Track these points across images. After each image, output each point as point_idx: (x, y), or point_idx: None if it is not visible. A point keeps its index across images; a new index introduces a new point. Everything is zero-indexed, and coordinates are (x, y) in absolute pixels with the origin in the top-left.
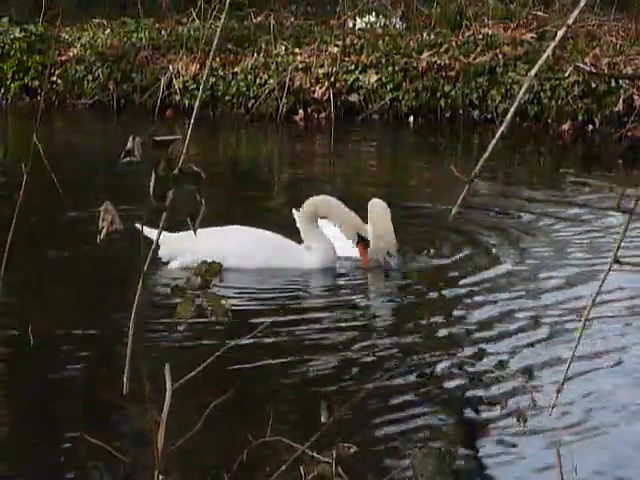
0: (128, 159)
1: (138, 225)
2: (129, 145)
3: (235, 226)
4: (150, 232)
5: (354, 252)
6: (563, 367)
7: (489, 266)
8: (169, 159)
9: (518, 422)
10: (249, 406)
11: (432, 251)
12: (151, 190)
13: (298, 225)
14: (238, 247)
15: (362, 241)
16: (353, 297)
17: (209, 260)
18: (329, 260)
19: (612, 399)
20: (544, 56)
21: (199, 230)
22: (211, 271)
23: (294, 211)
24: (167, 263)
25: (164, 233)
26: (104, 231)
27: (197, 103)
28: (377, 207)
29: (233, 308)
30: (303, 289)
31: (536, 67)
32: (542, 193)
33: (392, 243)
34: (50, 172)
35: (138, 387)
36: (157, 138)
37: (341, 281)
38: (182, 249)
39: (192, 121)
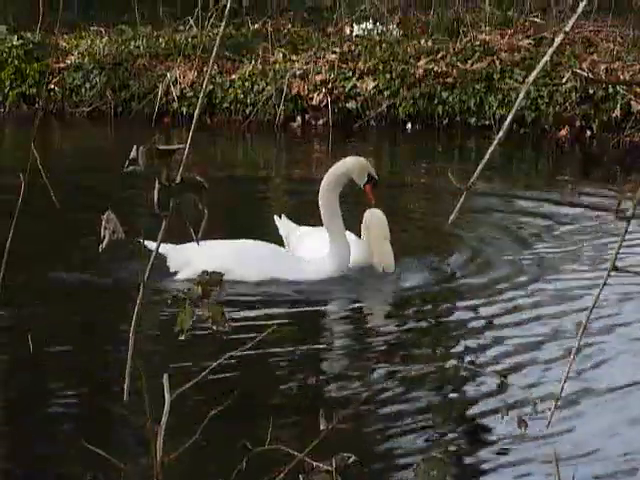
0: (132, 168)
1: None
2: (133, 154)
3: (242, 240)
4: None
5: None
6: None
7: (487, 274)
8: (172, 168)
9: (519, 430)
10: (248, 415)
11: (431, 258)
12: (155, 199)
13: (281, 232)
14: (244, 258)
15: (370, 181)
16: (353, 304)
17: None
18: (343, 267)
19: (613, 408)
20: (542, 62)
21: (207, 242)
22: (212, 281)
23: (276, 217)
24: (175, 273)
25: (172, 246)
26: (106, 240)
27: (197, 111)
28: (375, 220)
29: (234, 317)
30: (305, 297)
31: (534, 73)
32: (540, 199)
33: (388, 262)
34: (46, 183)
35: (138, 395)
36: (160, 147)
37: (342, 288)
38: (189, 260)
39: (192, 129)
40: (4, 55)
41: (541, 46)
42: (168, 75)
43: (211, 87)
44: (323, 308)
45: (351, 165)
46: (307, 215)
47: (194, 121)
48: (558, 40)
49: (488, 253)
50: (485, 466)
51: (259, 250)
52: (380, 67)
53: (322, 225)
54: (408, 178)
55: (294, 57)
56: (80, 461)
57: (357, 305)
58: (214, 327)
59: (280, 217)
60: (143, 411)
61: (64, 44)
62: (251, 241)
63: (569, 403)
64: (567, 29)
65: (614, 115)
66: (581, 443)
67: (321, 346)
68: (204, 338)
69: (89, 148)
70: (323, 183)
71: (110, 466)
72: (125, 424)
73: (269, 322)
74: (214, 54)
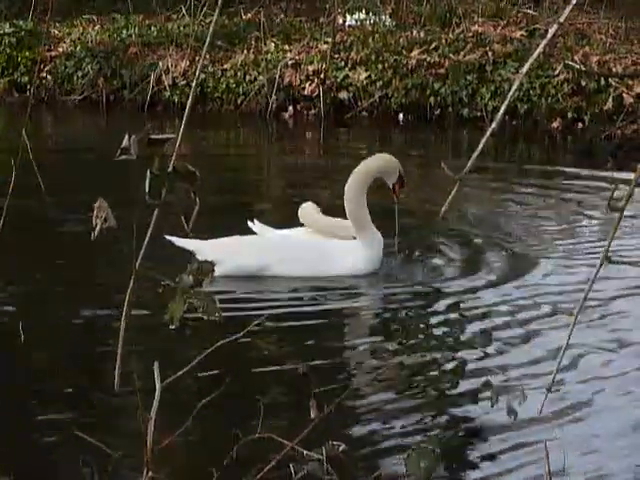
0: (124, 157)
1: (168, 237)
2: (125, 142)
3: (278, 231)
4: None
5: None
6: (555, 364)
7: (481, 265)
8: (163, 157)
9: (509, 417)
10: (239, 403)
11: (423, 249)
12: (146, 188)
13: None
14: (284, 254)
15: (400, 180)
16: (350, 299)
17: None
18: (378, 261)
19: (603, 396)
20: (535, 54)
21: (240, 237)
22: (203, 271)
23: (250, 224)
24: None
25: (201, 242)
26: (97, 228)
27: (189, 101)
28: (308, 211)
29: (232, 307)
30: (307, 292)
31: (527, 65)
32: (532, 191)
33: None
34: (35, 170)
35: (129, 384)
36: (152, 136)
37: (342, 284)
38: (222, 256)
39: (184, 120)
40: None
41: (534, 38)
42: (160, 64)
43: (203, 76)
44: (324, 303)
45: (384, 162)
46: (295, 205)
47: (187, 111)
48: (552, 31)
49: (480, 244)
50: (476, 456)
51: (302, 244)
52: (372, 57)
53: (298, 225)
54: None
55: (286, 47)
56: (72, 449)
57: (355, 299)
58: (205, 317)
59: (253, 222)
60: (134, 399)
61: (56, 32)
62: (287, 232)
63: (561, 392)
64: (561, 20)
65: (606, 107)
66: (572, 432)
67: (313, 337)
68: (197, 326)
69: (80, 136)
70: (351, 180)
71: (102, 454)
72: (116, 412)
73: (263, 309)
74: (206, 45)
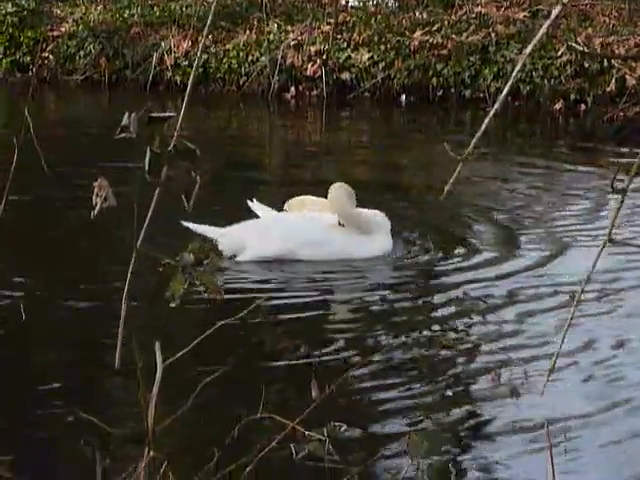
0: (124, 135)
1: (186, 223)
2: (124, 121)
3: (304, 213)
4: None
5: None
6: (557, 346)
7: (481, 248)
8: (164, 136)
9: (512, 399)
10: (241, 383)
11: (424, 231)
12: (146, 166)
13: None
14: (310, 238)
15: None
16: (351, 281)
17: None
18: (390, 246)
19: (606, 378)
20: (538, 35)
21: (259, 220)
22: (204, 250)
23: (249, 203)
24: (233, 257)
25: (220, 229)
26: (97, 207)
27: (190, 81)
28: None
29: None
30: (310, 275)
31: (530, 46)
32: (534, 172)
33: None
34: (39, 150)
35: (130, 362)
36: (153, 114)
37: (342, 269)
38: (247, 241)
39: (186, 98)
40: None
41: (537, 19)
42: (162, 44)
43: (205, 57)
44: (331, 287)
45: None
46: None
47: (188, 90)
48: (555, 12)
49: (483, 226)
50: (477, 437)
51: (326, 227)
52: (375, 38)
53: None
54: (401, 150)
55: (289, 27)
56: (72, 428)
57: (360, 283)
58: (208, 295)
59: (252, 201)
60: (136, 383)
61: (58, 12)
62: (311, 215)
63: (562, 374)
64: (565, 1)
65: (608, 89)
66: (573, 413)
67: (314, 318)
68: (201, 306)
69: (83, 116)
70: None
71: (103, 433)
72: (117, 391)
73: (268, 290)
74: (207, 26)
